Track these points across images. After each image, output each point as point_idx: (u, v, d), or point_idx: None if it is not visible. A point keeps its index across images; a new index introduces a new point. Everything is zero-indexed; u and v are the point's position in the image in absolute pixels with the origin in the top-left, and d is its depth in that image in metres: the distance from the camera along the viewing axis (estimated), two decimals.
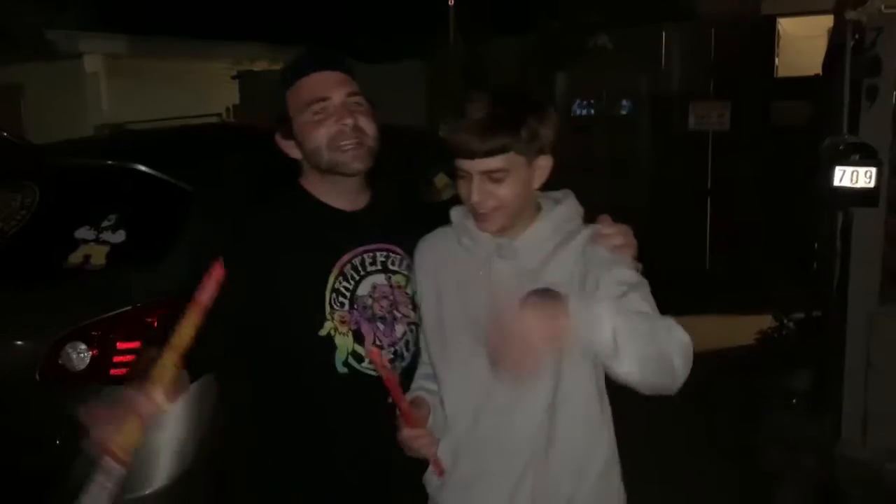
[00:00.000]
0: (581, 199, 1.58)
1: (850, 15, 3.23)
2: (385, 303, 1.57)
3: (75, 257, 2.31)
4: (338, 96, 1.55)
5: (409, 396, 1.55)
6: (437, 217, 1.59)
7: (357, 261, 1.58)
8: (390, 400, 1.46)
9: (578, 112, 7.37)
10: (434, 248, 1.60)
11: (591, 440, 1.52)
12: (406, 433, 1.48)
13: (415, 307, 1.61)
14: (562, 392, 1.47)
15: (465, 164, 1.43)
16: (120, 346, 2.17)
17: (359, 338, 1.55)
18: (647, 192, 6.94)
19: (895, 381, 3.29)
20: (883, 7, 3.16)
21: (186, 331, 1.36)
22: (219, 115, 10.02)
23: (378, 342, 1.56)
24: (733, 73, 6.91)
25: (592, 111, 7.38)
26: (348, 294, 1.55)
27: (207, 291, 1.38)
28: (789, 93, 6.93)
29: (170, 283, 1.73)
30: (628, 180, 6.88)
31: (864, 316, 3.31)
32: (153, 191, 2.47)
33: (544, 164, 1.48)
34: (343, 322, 1.54)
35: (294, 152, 1.61)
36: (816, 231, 4.46)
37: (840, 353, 3.42)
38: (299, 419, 1.58)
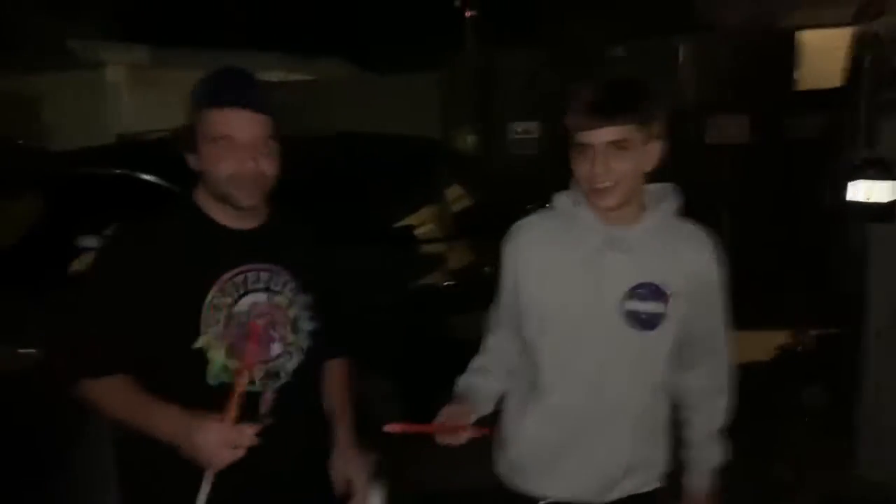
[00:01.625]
0: None
1: (869, 27, 3.19)
2: (262, 321, 1.60)
3: (78, 265, 2.32)
4: (245, 137, 1.57)
5: (456, 390, 1.72)
6: (327, 250, 1.74)
7: (239, 279, 1.61)
8: (263, 411, 1.57)
9: None
10: (533, 232, 1.69)
11: (664, 413, 1.72)
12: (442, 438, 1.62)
13: (295, 329, 1.66)
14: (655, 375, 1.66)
15: (590, 136, 1.52)
16: None
17: (232, 353, 1.57)
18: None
19: None
20: None
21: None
22: None
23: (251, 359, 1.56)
24: (751, 86, 6.85)
25: None
26: (225, 310, 1.58)
27: (250, 354, 1.52)
28: (809, 105, 6.86)
29: None
30: None
31: (880, 332, 3.26)
32: (158, 199, 2.47)
33: (655, 148, 1.57)
34: (217, 337, 1.57)
35: (193, 164, 1.63)
36: (834, 246, 4.40)
37: (856, 370, 3.36)
38: None
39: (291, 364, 1.66)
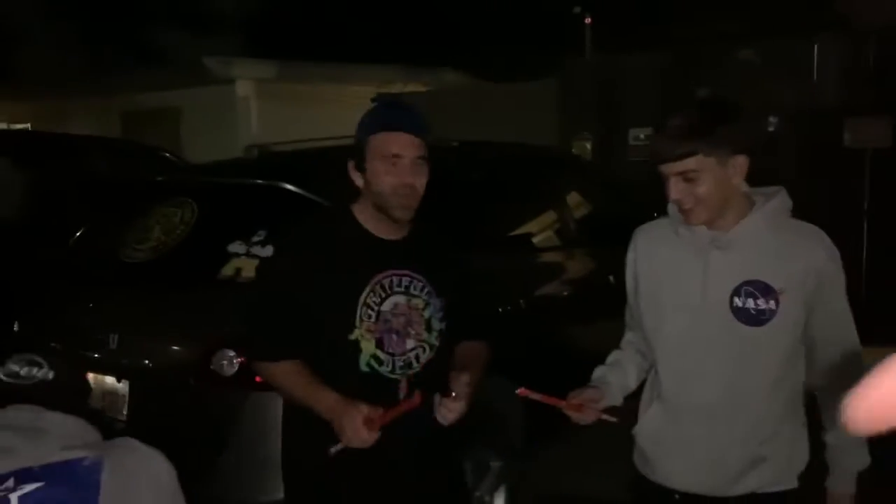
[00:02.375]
0: None
1: None
2: (402, 319, 1.89)
3: (228, 269, 2.45)
4: (409, 157, 1.87)
5: (592, 380, 1.88)
6: (461, 259, 2.03)
7: (386, 281, 1.90)
8: (401, 395, 1.85)
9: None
10: (650, 235, 1.86)
11: (792, 411, 1.78)
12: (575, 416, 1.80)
13: (428, 328, 1.93)
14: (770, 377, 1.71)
15: (662, 168, 1.67)
16: None
17: (380, 345, 1.88)
18: (797, 214, 6.54)
19: None
20: None
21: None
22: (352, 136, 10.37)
23: (391, 351, 1.88)
24: (893, 86, 6.41)
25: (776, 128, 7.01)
26: (376, 308, 1.87)
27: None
28: None
29: None
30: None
31: None
32: (298, 208, 2.58)
33: (741, 162, 1.67)
34: (369, 330, 1.86)
35: (358, 181, 1.92)
36: None
37: None
38: None
39: (424, 357, 1.93)
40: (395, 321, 1.89)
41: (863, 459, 1.80)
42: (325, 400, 1.82)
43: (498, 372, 2.11)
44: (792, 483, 1.79)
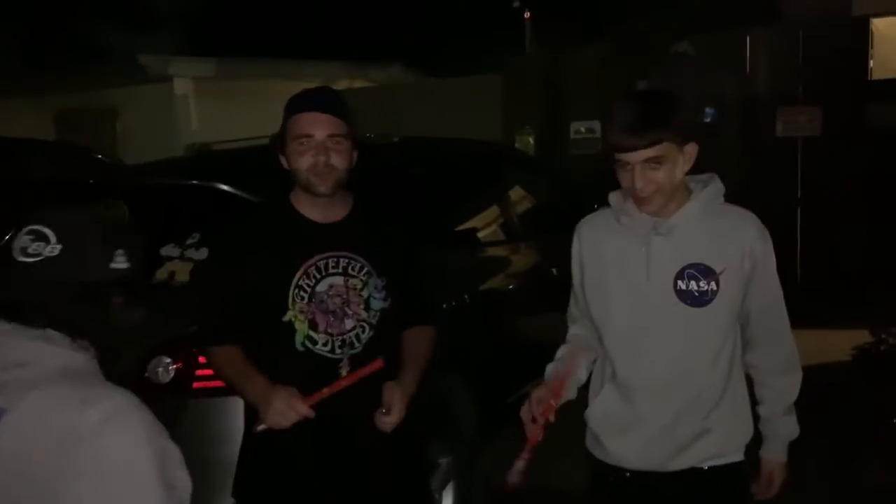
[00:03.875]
0: None
1: None
2: (338, 300, 1.94)
3: (162, 273, 2.40)
4: (320, 135, 1.92)
5: (560, 360, 1.93)
6: (402, 237, 2.05)
7: (321, 263, 1.95)
8: (343, 374, 1.90)
9: (709, 120, 7.16)
10: (593, 226, 1.92)
11: (733, 387, 1.86)
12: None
13: (367, 308, 1.96)
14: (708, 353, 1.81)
15: (627, 157, 1.70)
16: (203, 360, 2.23)
17: (313, 326, 1.93)
18: (733, 201, 6.70)
19: None
20: None
21: None
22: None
23: (329, 331, 1.93)
24: (824, 77, 6.62)
25: (720, 118, 7.16)
26: (308, 290, 1.93)
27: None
28: (885, 95, 6.59)
29: None
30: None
31: None
32: (234, 209, 2.54)
33: (691, 150, 1.75)
34: (301, 311, 1.92)
35: (285, 165, 1.98)
36: None
37: None
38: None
39: (365, 336, 1.96)
40: (331, 302, 1.93)
41: (792, 429, 1.93)
42: (253, 384, 1.90)
43: (447, 366, 2.12)
44: (738, 456, 1.87)
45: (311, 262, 1.93)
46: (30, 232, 1.26)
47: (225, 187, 2.55)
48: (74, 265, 1.24)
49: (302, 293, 1.92)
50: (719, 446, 1.84)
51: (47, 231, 1.25)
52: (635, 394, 1.83)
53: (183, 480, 1.22)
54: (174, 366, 2.24)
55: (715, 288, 1.75)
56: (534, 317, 3.60)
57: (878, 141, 6.52)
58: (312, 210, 1.98)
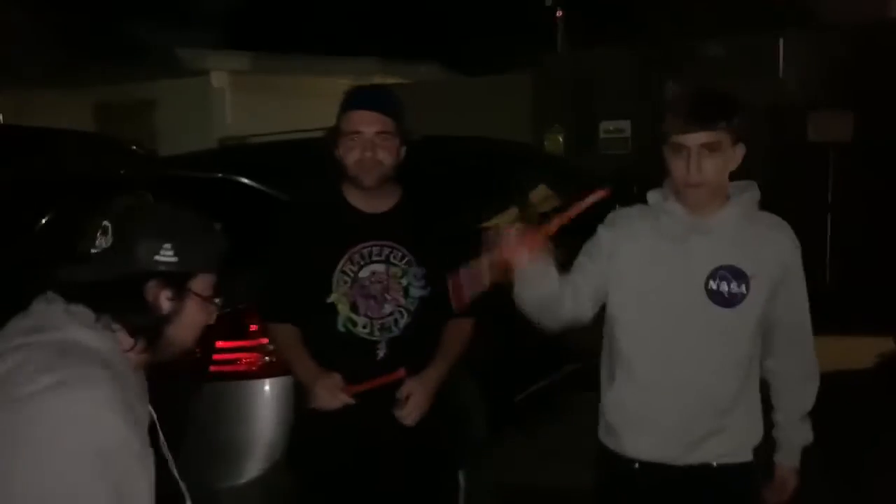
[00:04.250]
0: None
1: None
2: (379, 286, 2.09)
3: None
4: (368, 132, 2.05)
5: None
6: (445, 231, 2.13)
7: (365, 251, 2.10)
8: (381, 356, 2.07)
9: None
10: (631, 218, 1.93)
11: (750, 389, 1.91)
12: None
13: (406, 295, 2.10)
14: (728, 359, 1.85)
15: (686, 139, 1.74)
16: (219, 345, 2.33)
17: (354, 309, 2.09)
18: (763, 205, 6.66)
19: None
20: None
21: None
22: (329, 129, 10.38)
23: (368, 314, 2.09)
24: (858, 81, 6.54)
25: None
26: (352, 275, 2.09)
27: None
28: None
29: None
30: None
31: None
32: (254, 201, 2.63)
33: (740, 151, 1.79)
34: (344, 295, 2.08)
35: (338, 157, 2.10)
36: None
37: None
38: (316, 361, 2.10)
39: (403, 321, 2.11)
40: (372, 287, 2.08)
41: (807, 435, 1.98)
42: (303, 367, 2.08)
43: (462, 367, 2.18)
44: (748, 456, 1.92)
45: (355, 249, 2.08)
46: (101, 226, 1.36)
47: (245, 180, 2.64)
48: (121, 256, 1.32)
49: (346, 277, 2.07)
50: (732, 445, 1.89)
51: (108, 224, 1.35)
52: (652, 388, 1.86)
53: (130, 469, 1.25)
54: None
55: (745, 291, 1.80)
56: None
57: None
58: (360, 200, 2.12)
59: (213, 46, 11.02)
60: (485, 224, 4.00)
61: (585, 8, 8.08)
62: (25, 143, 5.04)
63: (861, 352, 5.10)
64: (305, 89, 10.90)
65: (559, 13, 8.11)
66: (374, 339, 2.08)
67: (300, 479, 2.15)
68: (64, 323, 1.30)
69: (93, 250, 1.33)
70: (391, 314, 2.10)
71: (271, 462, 2.30)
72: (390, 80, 11.41)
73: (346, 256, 2.08)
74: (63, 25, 10.29)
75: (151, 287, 1.34)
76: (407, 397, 2.05)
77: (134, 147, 5.54)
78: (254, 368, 2.34)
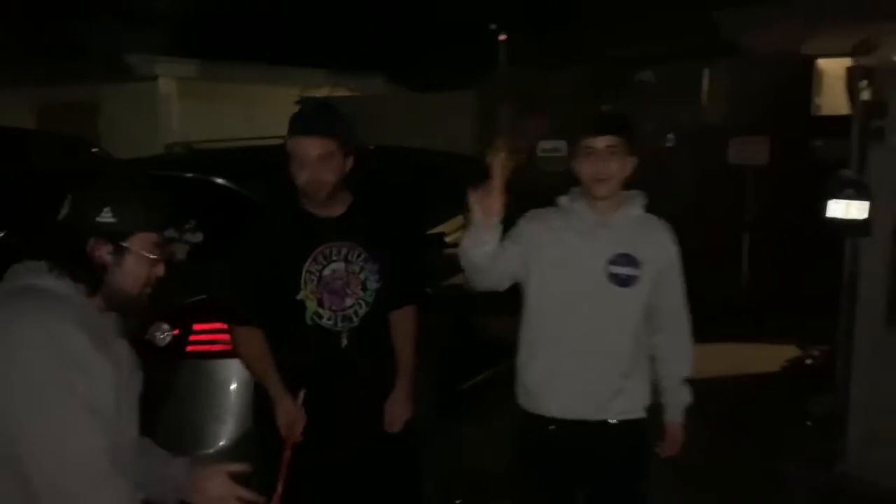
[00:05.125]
0: None
1: (863, 61, 3.49)
2: (339, 283, 2.35)
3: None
4: (311, 156, 2.26)
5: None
6: (395, 228, 2.41)
7: (327, 251, 2.34)
8: (343, 344, 2.33)
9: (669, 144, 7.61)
10: (545, 214, 2.31)
11: (641, 357, 2.32)
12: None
13: (364, 288, 2.37)
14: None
15: (595, 141, 2.17)
16: (196, 327, 2.58)
17: (321, 303, 2.33)
18: (686, 221, 7.12)
19: None
20: (893, 56, 3.41)
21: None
22: (281, 137, 10.49)
23: (332, 308, 2.34)
24: (773, 110, 7.09)
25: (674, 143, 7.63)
26: (317, 273, 2.33)
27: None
28: (827, 131, 7.08)
29: None
30: (670, 210, 7.07)
31: (870, 340, 3.52)
32: (225, 200, 2.88)
33: (632, 162, 2.23)
34: (312, 292, 2.32)
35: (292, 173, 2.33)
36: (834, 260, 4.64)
37: (847, 377, 3.62)
38: (286, 352, 2.35)
39: (361, 312, 2.37)
40: (335, 283, 2.32)
41: (688, 396, 2.40)
42: (269, 380, 2.32)
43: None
44: (642, 413, 2.34)
45: (317, 250, 2.31)
46: (66, 198, 1.60)
47: (219, 180, 2.90)
48: (73, 220, 1.57)
49: (312, 276, 2.31)
50: (631, 403, 2.30)
51: (70, 196, 1.59)
52: (566, 355, 2.24)
53: (92, 374, 1.48)
54: (171, 332, 2.58)
55: (637, 274, 2.23)
56: (490, 314, 3.96)
57: (820, 173, 6.98)
58: (316, 207, 2.34)
59: (162, 52, 11.00)
60: (431, 231, 4.28)
61: (527, 32, 8.49)
62: None
63: (772, 358, 5.55)
64: (253, 98, 10.99)
65: (502, 37, 8.50)
66: (338, 329, 2.34)
67: (264, 448, 2.35)
68: (22, 274, 1.57)
69: (59, 218, 1.58)
70: (352, 306, 2.36)
71: (241, 432, 2.55)
72: (338, 93, 11.62)
73: (310, 258, 2.31)
74: (7, 24, 10.17)
75: (92, 243, 1.55)
76: (391, 411, 2.40)
77: (94, 149, 5.64)
78: (226, 349, 2.58)
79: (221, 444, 2.56)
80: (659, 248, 2.28)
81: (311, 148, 2.25)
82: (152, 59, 10.78)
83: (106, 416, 1.51)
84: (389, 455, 2.46)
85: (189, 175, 3.07)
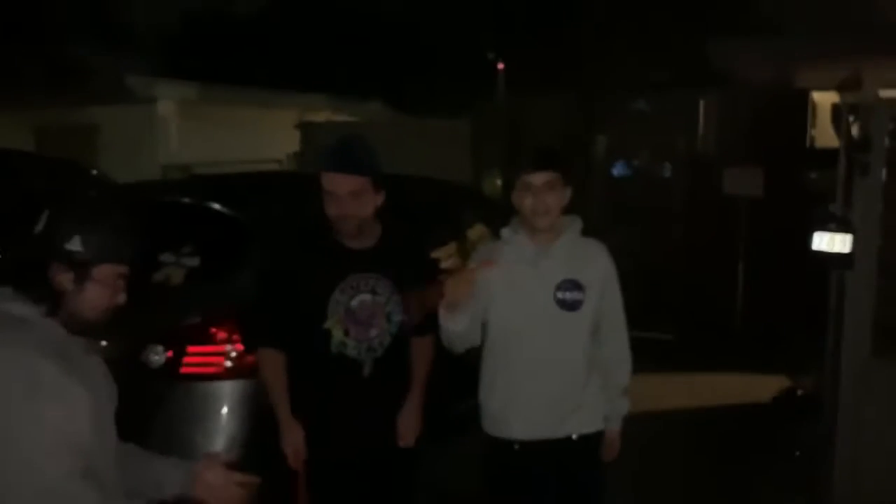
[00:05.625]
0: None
1: (847, 97, 3.57)
2: (365, 314, 2.42)
3: (159, 276, 2.78)
4: (342, 192, 2.32)
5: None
6: (424, 260, 2.35)
7: (354, 282, 2.41)
8: (366, 373, 2.39)
9: (616, 173, 7.72)
10: (490, 250, 2.37)
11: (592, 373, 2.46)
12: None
13: (388, 320, 2.45)
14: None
15: (534, 177, 2.28)
16: (190, 349, 2.61)
17: (347, 333, 2.40)
18: (679, 252, 7.19)
19: (885, 434, 3.50)
20: (878, 92, 3.49)
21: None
22: (278, 161, 10.64)
23: (357, 337, 2.40)
24: (767, 141, 7.16)
25: (631, 172, 7.73)
26: (344, 304, 2.39)
27: None
28: (820, 163, 7.14)
29: (232, 301, 2.45)
30: (665, 239, 7.14)
31: (856, 370, 3.55)
32: (222, 225, 2.94)
33: (569, 191, 2.36)
34: (338, 321, 2.38)
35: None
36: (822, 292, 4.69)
37: (834, 406, 3.65)
38: (309, 379, 2.43)
39: (385, 342, 2.44)
40: (361, 314, 2.39)
41: (625, 407, 2.53)
42: (280, 407, 2.39)
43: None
44: (601, 425, 2.46)
45: (346, 281, 2.38)
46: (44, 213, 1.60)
47: (216, 206, 2.95)
48: (42, 240, 1.57)
49: (339, 306, 2.37)
50: (590, 417, 2.43)
51: (47, 213, 1.58)
52: (524, 378, 2.35)
53: (66, 393, 1.48)
54: (165, 353, 2.61)
55: (582, 298, 2.36)
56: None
57: (813, 205, 7.03)
58: (346, 238, 2.40)
59: (162, 75, 11.06)
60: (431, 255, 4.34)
61: (524, 62, 8.62)
62: None
63: (764, 388, 5.57)
64: (249, 121, 11.06)
65: (500, 65, 8.62)
66: (361, 359, 2.41)
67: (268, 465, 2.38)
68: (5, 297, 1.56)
69: (35, 233, 1.58)
70: (376, 337, 2.42)
71: (233, 450, 2.58)
72: (337, 118, 11.72)
73: (338, 288, 2.37)
74: (6, 46, 10.23)
75: (55, 268, 1.54)
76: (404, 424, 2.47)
77: (94, 171, 5.69)
78: (219, 371, 2.62)
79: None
80: (599, 269, 2.41)
81: (343, 185, 2.30)
82: (151, 81, 10.85)
83: (83, 439, 1.52)
84: (393, 472, 2.52)
85: (186, 200, 3.12)
